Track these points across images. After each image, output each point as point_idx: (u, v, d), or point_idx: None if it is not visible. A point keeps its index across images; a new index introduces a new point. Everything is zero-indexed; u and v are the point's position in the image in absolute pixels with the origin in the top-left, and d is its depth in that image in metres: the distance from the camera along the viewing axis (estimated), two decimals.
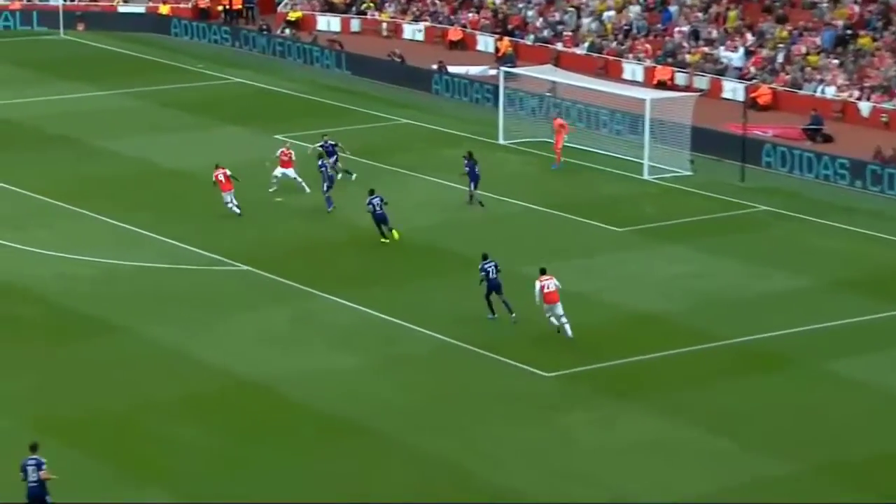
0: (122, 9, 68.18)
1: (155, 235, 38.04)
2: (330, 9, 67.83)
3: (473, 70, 58.54)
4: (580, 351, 30.99)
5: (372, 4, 66.99)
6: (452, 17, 64.74)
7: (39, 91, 54.57)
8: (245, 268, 35.77)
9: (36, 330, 31.40)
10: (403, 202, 41.91)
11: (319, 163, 41.06)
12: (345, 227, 38.97)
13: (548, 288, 31.44)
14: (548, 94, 50.69)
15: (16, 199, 41.11)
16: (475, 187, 41.41)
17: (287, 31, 65.24)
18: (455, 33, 63.65)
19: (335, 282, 34.66)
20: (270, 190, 40.85)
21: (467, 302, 33.62)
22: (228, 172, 39.72)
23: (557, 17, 61.82)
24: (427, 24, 64.98)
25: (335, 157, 42.48)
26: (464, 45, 63.37)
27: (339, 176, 41.98)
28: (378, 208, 37.79)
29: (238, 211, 39.36)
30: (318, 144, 43.16)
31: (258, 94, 56.30)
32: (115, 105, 52.88)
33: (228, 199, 39.46)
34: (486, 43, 62.52)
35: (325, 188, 40.35)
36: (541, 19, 62.11)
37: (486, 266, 32.76)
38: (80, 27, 66.79)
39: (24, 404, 27.75)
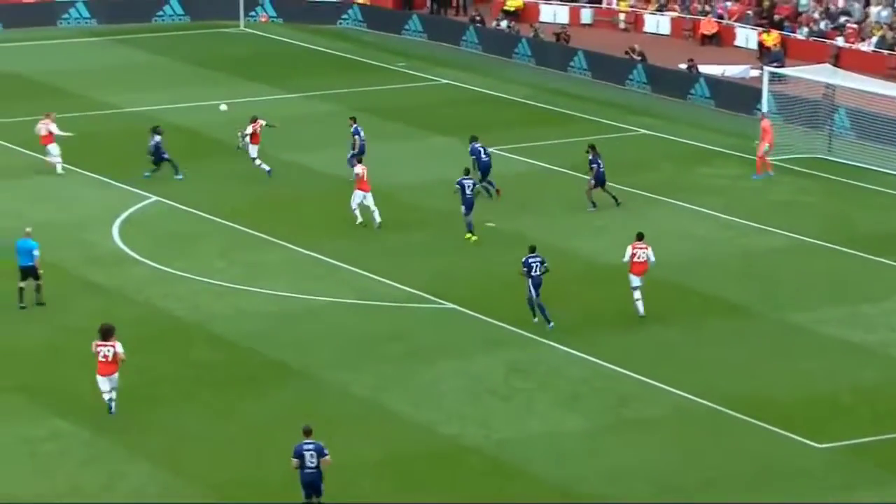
0: None
1: (344, 265, 39.09)
2: None
3: (731, 70, 58.39)
4: (861, 417, 30.70)
5: None
6: (706, 5, 64.69)
7: (216, 94, 56.52)
8: (450, 306, 36.49)
9: (213, 377, 32.53)
10: (641, 231, 42.08)
11: (472, 147, 43.43)
12: (568, 259, 39.38)
13: (638, 257, 35.04)
14: (824, 99, 50.24)
15: (188, 221, 42.77)
16: (600, 187, 42.83)
17: (504, 22, 66.22)
18: (709, 25, 63.59)
19: (558, 325, 35.01)
20: (377, 226, 41.40)
21: (716, 353, 33.66)
22: (259, 127, 45.68)
23: (840, 4, 61.14)
24: (675, 14, 65.08)
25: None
26: (719, 40, 63.27)
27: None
28: (469, 191, 39.68)
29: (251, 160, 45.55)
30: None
31: (469, 99, 57.24)
32: (302, 110, 54.47)
33: (255, 154, 45.56)
34: (747, 37, 62.30)
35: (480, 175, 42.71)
36: (817, 9, 61.53)
37: (530, 260, 34.49)
38: (263, 18, 69.22)
39: (200, 462, 28.86)
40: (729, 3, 64.42)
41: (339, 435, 29.73)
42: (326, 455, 26.13)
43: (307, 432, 26.32)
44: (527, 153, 48.92)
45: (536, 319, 34.85)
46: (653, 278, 37.86)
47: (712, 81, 56.60)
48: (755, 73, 56.22)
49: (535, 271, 34.57)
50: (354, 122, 46.24)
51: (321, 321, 35.60)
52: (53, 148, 46.61)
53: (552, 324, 34.58)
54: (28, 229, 36.66)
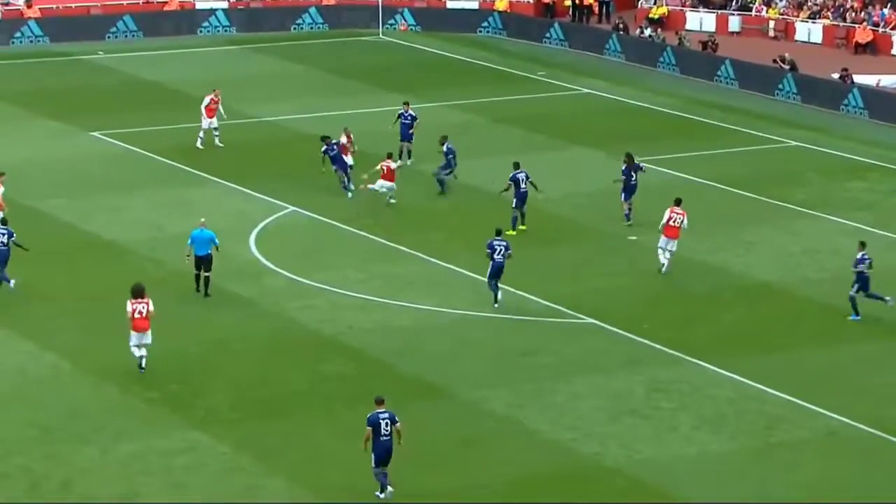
0: (452, 4, 70.68)
1: (483, 279, 39.00)
2: (703, 4, 68.11)
3: (886, 80, 57.50)
4: None
5: None
6: (862, 13, 63.77)
7: (353, 103, 57.04)
8: (590, 321, 36.35)
9: (348, 391, 32.58)
10: (791, 246, 41.71)
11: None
12: (715, 274, 39.02)
13: (674, 221, 37.71)
14: None
15: (325, 231, 43.07)
16: (628, 200, 42.11)
17: (648, 30, 65.91)
18: (864, 34, 62.69)
19: (703, 343, 34.77)
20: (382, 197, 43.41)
21: (871, 375, 33.22)
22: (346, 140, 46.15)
23: None
24: (827, 22, 64.25)
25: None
26: (874, 49, 62.35)
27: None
28: (523, 185, 40.82)
29: (347, 187, 45.03)
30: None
31: (612, 109, 57.05)
32: (440, 120, 54.53)
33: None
34: None
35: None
36: None
37: (494, 243, 36.13)
38: (402, 27, 69.65)
39: (334, 477, 28.92)
40: (886, 11, 63.43)
41: (476, 453, 29.77)
42: (398, 423, 27.15)
43: (380, 402, 27.28)
44: (671, 165, 48.59)
45: (497, 305, 36.32)
46: (804, 296, 37.49)
47: (867, 92, 55.78)
48: None
49: (498, 255, 35.89)
50: (407, 107, 48.70)
51: (459, 336, 35.63)
52: (205, 121, 49.36)
53: (497, 305, 36.33)
54: (202, 220, 37.88)
